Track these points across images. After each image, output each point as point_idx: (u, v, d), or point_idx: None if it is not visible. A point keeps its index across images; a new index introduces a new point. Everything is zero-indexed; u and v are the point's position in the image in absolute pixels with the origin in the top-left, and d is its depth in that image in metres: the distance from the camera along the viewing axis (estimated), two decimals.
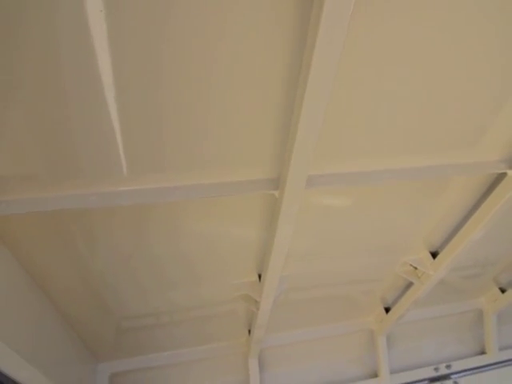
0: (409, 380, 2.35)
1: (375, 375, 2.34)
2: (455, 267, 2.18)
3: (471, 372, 2.46)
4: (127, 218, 1.21)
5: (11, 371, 1.16)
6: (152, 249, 1.39)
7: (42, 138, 0.89)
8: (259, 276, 1.58)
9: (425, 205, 1.55)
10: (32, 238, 1.17)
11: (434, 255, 1.74)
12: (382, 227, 1.59)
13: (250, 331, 2.05)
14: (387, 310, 2.20)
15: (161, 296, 1.75)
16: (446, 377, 2.40)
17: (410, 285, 2.00)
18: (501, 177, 1.39)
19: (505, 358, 2.50)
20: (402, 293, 2.08)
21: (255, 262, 1.54)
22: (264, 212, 1.25)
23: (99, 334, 1.86)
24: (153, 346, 2.05)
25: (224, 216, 1.29)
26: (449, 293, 2.36)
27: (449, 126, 1.17)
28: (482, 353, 2.51)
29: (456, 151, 1.26)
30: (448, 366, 2.41)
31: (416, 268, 1.82)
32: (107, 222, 1.20)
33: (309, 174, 1.05)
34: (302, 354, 2.30)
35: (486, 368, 2.47)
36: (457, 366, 2.42)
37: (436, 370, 2.39)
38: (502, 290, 2.38)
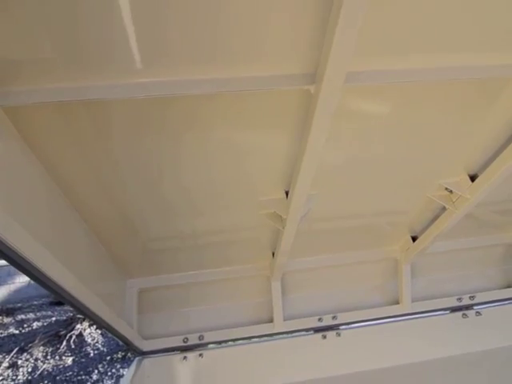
0: (430, 308, 2.35)
1: (396, 302, 2.36)
2: (487, 201, 2.08)
3: (495, 304, 2.44)
4: (153, 130, 1.16)
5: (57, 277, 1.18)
6: (177, 169, 1.36)
7: (54, 24, 0.81)
8: (286, 193, 1.53)
9: (470, 121, 1.42)
10: (55, 138, 1.14)
11: (473, 179, 1.64)
12: (420, 145, 1.48)
13: (273, 254, 2.05)
14: (414, 239, 2.15)
15: (186, 220, 1.75)
16: (468, 307, 2.40)
17: (440, 213, 1.93)
18: None
19: None
20: (431, 222, 2.01)
21: (283, 179, 1.48)
22: (296, 116, 1.16)
23: (127, 253, 1.90)
24: (177, 266, 2.10)
25: (253, 123, 1.21)
26: (477, 226, 2.28)
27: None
28: (508, 286, 2.47)
29: None
30: (472, 297, 2.39)
31: (451, 192, 1.72)
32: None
33: (349, 70, 0.94)
34: (324, 279, 2.32)
35: (511, 301, 2.45)
36: (481, 297, 2.40)
37: (459, 300, 2.39)
38: None
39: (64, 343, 8.56)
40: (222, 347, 2.23)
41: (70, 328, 9.03)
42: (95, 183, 1.37)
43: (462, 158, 1.60)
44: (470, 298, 2.39)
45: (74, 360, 8.09)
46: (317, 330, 2.26)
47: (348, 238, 2.16)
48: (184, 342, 2.16)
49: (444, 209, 1.88)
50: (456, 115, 1.38)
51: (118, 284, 2.03)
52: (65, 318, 9.86)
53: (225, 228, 1.86)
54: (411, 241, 2.14)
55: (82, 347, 8.66)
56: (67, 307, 11.42)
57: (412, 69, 1.04)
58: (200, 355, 2.17)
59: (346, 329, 2.28)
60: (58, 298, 1.34)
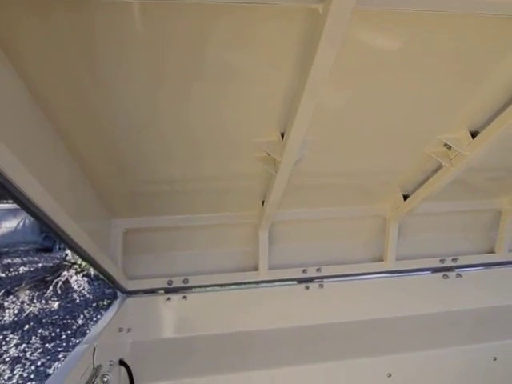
0: (413, 267, 2.39)
1: (381, 260, 2.38)
2: (480, 167, 2.06)
3: (477, 268, 2.50)
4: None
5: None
6: (170, 107, 1.30)
7: None
8: (282, 135, 1.47)
9: (479, 72, 1.36)
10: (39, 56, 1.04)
11: (474, 135, 1.60)
12: (425, 93, 1.42)
13: (263, 203, 2.02)
14: (405, 197, 2.14)
15: (176, 164, 1.70)
16: (450, 269, 2.45)
17: (435, 172, 1.90)
18: None
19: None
20: (424, 180, 1.99)
21: (279, 119, 1.42)
22: (300, 43, 1.08)
23: (113, 191, 1.85)
24: (165, 209, 2.06)
25: (252, 47, 1.12)
26: (467, 191, 2.28)
27: None
28: (490, 252, 2.51)
29: None
30: (454, 260, 2.43)
31: (449, 149, 1.69)
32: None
33: None
34: (311, 232, 2.32)
35: (493, 267, 2.50)
36: (463, 260, 2.44)
37: (442, 261, 2.43)
38: None
39: (50, 288, 8.70)
40: (206, 291, 2.26)
41: (56, 274, 9.14)
42: (81, 111, 1.29)
43: (465, 113, 1.55)
44: (452, 260, 2.43)
45: (60, 305, 8.25)
46: (300, 280, 2.29)
47: (339, 194, 2.14)
48: (168, 284, 2.18)
49: (439, 168, 1.86)
50: (466, 62, 1.31)
51: (103, 222, 2.00)
52: (51, 264, 9.96)
53: (216, 174, 1.81)
54: (402, 199, 2.13)
55: (68, 293, 8.81)
56: (54, 254, 11.52)
57: None
58: (184, 297, 2.19)
59: (329, 281, 2.31)
60: (42, 225, 1.31)
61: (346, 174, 2.00)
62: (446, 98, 1.47)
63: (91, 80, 1.17)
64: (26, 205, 1.10)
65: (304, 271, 2.28)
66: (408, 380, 2.06)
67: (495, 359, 2.17)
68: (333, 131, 1.58)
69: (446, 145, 1.69)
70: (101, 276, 1.95)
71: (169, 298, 2.18)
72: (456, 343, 2.16)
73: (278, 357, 2.02)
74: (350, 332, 2.23)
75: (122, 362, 1.81)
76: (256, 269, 2.25)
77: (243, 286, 2.27)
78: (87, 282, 9.04)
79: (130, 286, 2.15)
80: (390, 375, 2.03)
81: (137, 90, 1.23)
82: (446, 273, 2.43)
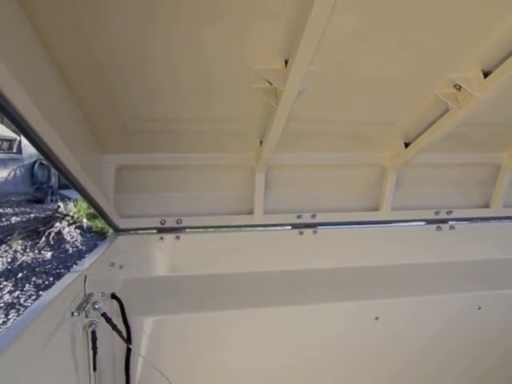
0: (408, 218, 2.39)
1: (376, 209, 2.37)
2: (484, 122, 2.01)
3: (470, 222, 2.51)
4: None
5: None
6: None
7: None
8: (285, 63, 1.38)
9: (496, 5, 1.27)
10: None
11: (486, 75, 1.53)
12: (437, 27, 1.33)
13: (261, 143, 1.96)
14: (407, 145, 2.09)
15: (171, 101, 1.62)
16: (443, 221, 2.45)
17: (440, 117, 1.84)
18: None
19: (507, 214, 2.53)
20: (428, 126, 1.93)
21: (283, 44, 1.32)
22: None
23: (107, 127, 1.78)
24: (158, 147, 1.99)
25: None
26: (468, 144, 2.24)
27: None
28: (485, 207, 2.51)
29: None
30: (449, 212, 2.44)
31: (459, 90, 1.62)
32: None
33: None
34: (308, 179, 2.29)
35: (486, 221, 2.51)
36: (458, 213, 2.45)
37: (436, 213, 2.42)
38: None
39: (43, 239, 8.74)
40: (200, 232, 2.24)
41: (48, 225, 9.16)
42: (76, 43, 1.22)
43: (479, 50, 1.46)
44: (447, 212, 2.43)
45: (53, 255, 8.33)
46: (295, 226, 2.28)
47: (338, 141, 2.09)
48: (161, 223, 2.15)
49: (445, 112, 1.80)
50: None
51: (95, 157, 1.93)
52: (44, 215, 9.96)
53: (213, 111, 1.73)
54: (403, 147, 2.08)
55: (61, 244, 8.87)
56: (46, 206, 11.49)
57: None
58: (177, 238, 2.18)
59: (323, 228, 2.31)
60: (39, 151, 1.27)
61: (347, 121, 1.94)
62: (460, 33, 1.38)
63: (87, 13, 1.12)
64: (24, 129, 1.09)
65: (299, 217, 2.26)
66: (394, 324, 2.10)
67: (480, 308, 2.22)
68: (339, 63, 1.49)
69: (455, 86, 1.62)
70: (94, 211, 1.91)
71: (161, 238, 2.17)
72: (443, 292, 2.20)
73: (269, 298, 2.04)
74: (340, 278, 2.26)
75: (113, 296, 1.81)
76: (251, 212, 2.23)
77: (237, 229, 2.26)
78: (80, 233, 9.09)
79: (123, 223, 2.13)
80: (377, 318, 2.07)
81: (132, 22, 1.17)
82: (440, 225, 2.44)
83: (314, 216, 2.27)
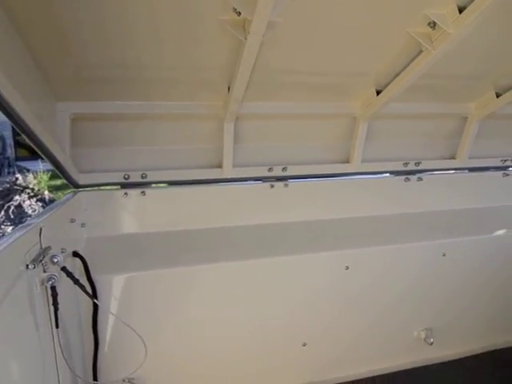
0: (377, 169, 2.40)
1: (347, 161, 2.35)
2: (451, 74, 1.99)
3: (437, 173, 2.55)
4: None
5: None
6: None
7: None
8: None
9: None
10: None
11: (461, 11, 1.48)
12: None
13: (229, 89, 1.84)
14: (378, 93, 2.04)
15: (128, 46, 1.49)
16: (412, 172, 2.48)
17: (414, 59, 1.80)
18: None
19: (472, 165, 2.58)
20: (401, 70, 1.88)
21: None
22: None
23: (60, 71, 1.60)
24: (117, 94, 1.83)
25: None
26: (438, 94, 2.23)
27: None
28: (452, 158, 2.55)
29: None
30: (417, 164, 2.46)
31: (434, 27, 1.56)
32: None
33: None
34: (278, 131, 2.21)
35: (453, 172, 2.56)
36: (425, 164, 2.48)
37: (405, 165, 2.44)
38: (498, 95, 2.25)
39: (2, 213, 8.26)
40: (166, 187, 2.14)
41: (7, 199, 8.65)
42: None
43: None
44: (415, 164, 2.45)
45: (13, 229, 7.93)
46: (266, 179, 2.22)
47: (309, 90, 2.01)
48: (125, 178, 2.03)
49: (418, 55, 1.75)
50: None
51: (47, 104, 1.75)
52: (1, 189, 9.38)
53: (177, 51, 1.59)
54: (375, 94, 2.03)
55: (22, 217, 8.44)
56: (3, 179, 10.83)
57: None
58: (142, 193, 2.06)
59: (294, 181, 2.27)
60: None
61: (319, 69, 1.86)
62: None
63: None
64: None
65: (270, 170, 2.20)
66: (363, 272, 2.14)
67: (444, 255, 2.30)
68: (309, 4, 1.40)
69: (430, 23, 1.56)
70: (51, 166, 1.75)
71: (126, 193, 2.05)
72: (410, 241, 2.25)
73: (241, 252, 2.01)
74: (312, 229, 2.25)
75: (76, 254, 1.70)
76: (220, 166, 2.14)
77: (206, 183, 2.17)
78: (42, 206, 8.67)
79: (82, 179, 1.98)
80: (347, 268, 2.10)
81: None
82: (408, 176, 2.47)
83: (284, 169, 2.21)
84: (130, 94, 1.84)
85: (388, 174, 2.45)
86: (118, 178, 2.02)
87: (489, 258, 2.47)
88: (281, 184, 2.23)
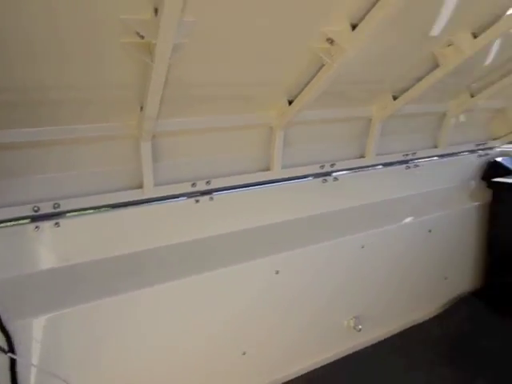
0: (297, 174, 2.51)
1: (268, 169, 2.42)
2: (355, 79, 2.16)
3: (351, 171, 2.74)
4: None
5: None
6: None
7: None
8: (155, 11, 1.24)
9: None
10: None
11: (354, 28, 1.61)
12: None
13: (142, 108, 1.79)
14: (290, 102, 2.14)
15: (24, 66, 1.37)
16: (328, 173, 2.63)
17: (318, 71, 1.91)
18: None
19: (380, 161, 2.83)
20: (308, 82, 1.99)
21: None
22: None
23: None
24: (27, 120, 1.68)
25: None
26: (344, 99, 2.41)
27: None
28: (361, 157, 2.77)
29: None
30: (332, 165, 2.62)
31: (332, 43, 1.68)
32: None
33: None
34: (198, 145, 2.20)
35: (364, 169, 2.78)
36: (339, 165, 2.65)
37: (321, 167, 2.59)
38: (394, 98, 2.49)
39: None
40: (83, 215, 2.01)
41: None
42: None
43: (346, 4, 1.53)
44: (330, 165, 2.62)
45: None
46: (190, 195, 2.20)
47: (224, 103, 2.04)
48: (35, 211, 1.86)
49: (322, 67, 1.87)
50: None
51: None
52: None
53: (82, 74, 1.50)
54: (287, 104, 2.13)
55: None
56: None
57: None
58: (56, 224, 1.91)
59: (219, 194, 2.28)
60: None
61: (232, 82, 1.90)
62: None
63: None
64: None
65: (193, 185, 2.18)
66: (293, 274, 2.24)
67: (363, 247, 2.50)
68: (216, 19, 1.41)
69: (328, 39, 1.68)
70: None
71: (37, 227, 1.88)
72: (332, 238, 2.41)
73: (171, 272, 1.97)
74: (240, 240, 2.28)
75: None
76: (140, 186, 2.06)
77: (126, 206, 2.08)
78: None
79: None
80: (277, 272, 2.17)
81: None
82: (325, 177, 2.62)
83: (208, 182, 2.21)
84: (39, 118, 1.69)
85: (307, 178, 2.58)
86: (27, 210, 1.84)
87: (400, 245, 2.74)
88: (206, 198, 2.23)
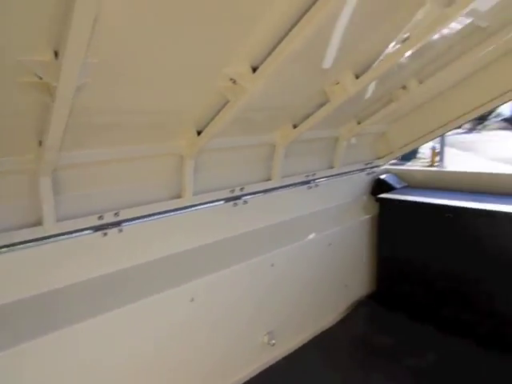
0: (209, 199, 2.57)
1: (179, 197, 2.45)
2: (260, 107, 2.34)
3: (259, 194, 2.90)
4: None
5: None
6: None
7: None
8: (55, 54, 1.21)
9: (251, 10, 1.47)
10: None
11: (255, 70, 1.76)
12: (206, 30, 1.45)
13: (40, 143, 1.69)
14: (199, 133, 2.21)
15: None
16: (238, 197, 2.75)
17: (224, 106, 2.02)
18: None
19: (285, 183, 3.05)
20: (215, 115, 2.09)
21: (51, 32, 1.15)
22: None
23: None
24: None
25: None
26: (251, 127, 2.57)
27: None
28: (269, 179, 2.95)
29: None
30: (241, 189, 2.75)
31: (235, 83, 1.80)
32: None
33: None
34: (105, 175, 2.13)
35: (271, 191, 2.96)
36: (248, 188, 2.79)
37: (232, 191, 2.70)
38: (294, 126, 2.73)
39: None
40: None
41: None
42: None
43: (246, 49, 1.66)
44: (240, 189, 2.74)
45: None
46: (97, 228, 2.11)
47: (133, 132, 2.02)
48: None
49: (227, 103, 1.98)
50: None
51: None
52: None
53: None
54: (196, 135, 2.19)
55: None
56: None
57: None
58: None
59: (128, 225, 2.23)
60: None
61: (140, 112, 1.90)
62: (229, 32, 1.54)
63: None
64: None
65: (100, 218, 2.10)
66: (207, 299, 2.29)
67: (273, 265, 2.66)
68: (121, 56, 1.42)
69: (231, 79, 1.80)
70: None
71: None
72: (242, 260, 2.53)
73: (78, 312, 1.87)
74: (154, 269, 2.26)
75: None
76: (40, 223, 1.92)
77: (25, 244, 1.92)
78: None
79: None
80: (192, 299, 2.20)
81: None
82: (236, 201, 2.73)
83: (117, 214, 2.15)
84: None
85: (219, 202, 2.66)
86: None
87: (305, 260, 2.98)
88: (115, 230, 2.16)
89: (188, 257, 2.42)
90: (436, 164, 16.73)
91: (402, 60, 2.22)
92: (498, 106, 3.26)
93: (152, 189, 2.34)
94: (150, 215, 2.32)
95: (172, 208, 2.40)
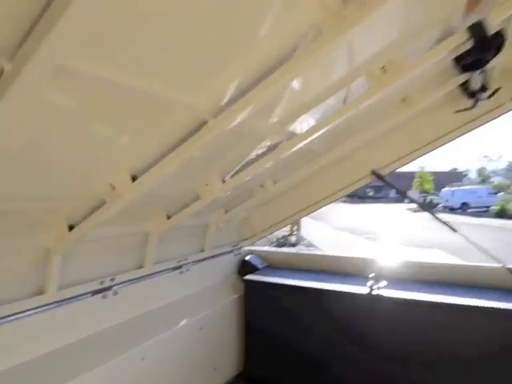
0: (76, 294, 2.46)
1: (41, 293, 2.29)
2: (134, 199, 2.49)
3: (130, 283, 2.89)
4: None
5: None
6: None
7: None
8: None
9: (143, 131, 1.70)
10: None
11: (134, 179, 1.93)
12: (94, 144, 1.60)
13: None
14: (71, 228, 2.19)
15: None
16: (108, 288, 2.70)
17: (101, 205, 2.10)
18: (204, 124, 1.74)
19: (157, 270, 3.11)
20: (91, 212, 2.13)
21: None
22: None
23: None
24: None
25: None
26: (125, 217, 2.64)
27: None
28: (141, 267, 2.99)
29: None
30: (112, 279, 2.71)
31: (114, 188, 1.93)
32: None
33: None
34: None
35: (143, 279, 2.98)
36: (119, 278, 2.77)
37: (101, 283, 2.64)
38: (168, 217, 2.92)
39: None
40: None
41: None
42: None
43: (126, 161, 1.85)
44: (110, 280, 2.70)
45: None
46: None
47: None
48: None
49: (105, 203, 2.07)
50: (132, 124, 1.60)
51: None
52: None
53: None
54: (67, 230, 2.17)
55: None
56: None
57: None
58: None
59: None
60: None
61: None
62: (109, 145, 1.72)
63: None
64: None
65: None
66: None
67: (143, 359, 2.62)
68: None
69: (110, 185, 1.93)
70: None
71: None
72: (109, 358, 2.43)
73: None
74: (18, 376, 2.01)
75: None
76: None
77: None
78: None
79: None
80: None
81: None
82: (105, 292, 2.67)
83: None
84: None
85: (86, 295, 2.56)
86: None
87: (176, 348, 3.00)
88: None
89: (50, 361, 2.22)
90: (295, 232, 18.85)
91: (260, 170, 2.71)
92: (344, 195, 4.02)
93: (6, 287, 2.13)
94: (6, 316, 2.09)
95: (33, 306, 2.22)
